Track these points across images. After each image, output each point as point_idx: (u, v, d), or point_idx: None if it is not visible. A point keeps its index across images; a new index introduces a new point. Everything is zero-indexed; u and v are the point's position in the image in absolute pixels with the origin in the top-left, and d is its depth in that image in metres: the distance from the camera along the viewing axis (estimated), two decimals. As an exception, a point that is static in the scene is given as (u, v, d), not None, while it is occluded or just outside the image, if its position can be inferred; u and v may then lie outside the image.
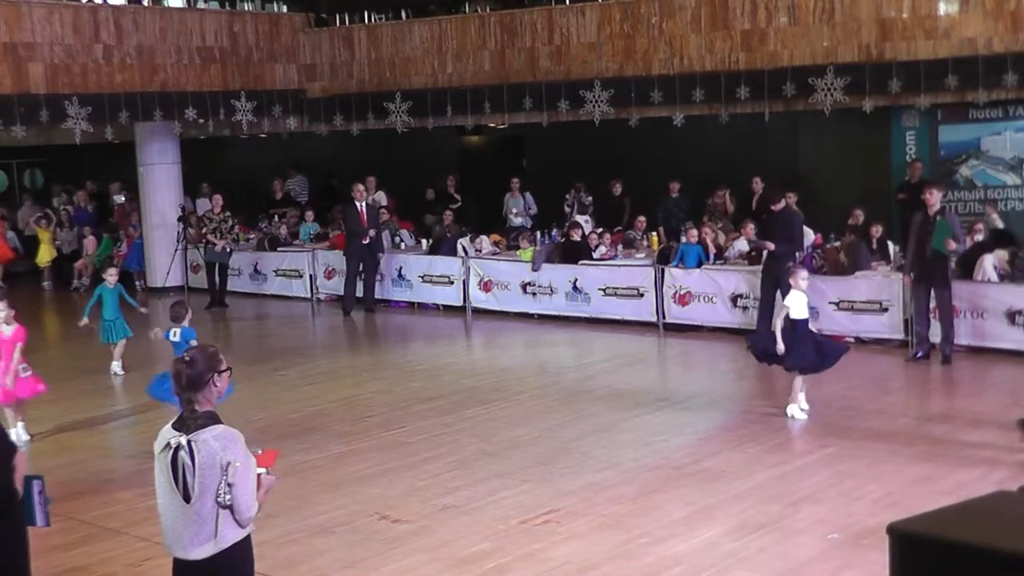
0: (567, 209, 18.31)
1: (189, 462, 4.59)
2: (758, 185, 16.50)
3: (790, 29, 14.62)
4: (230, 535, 4.67)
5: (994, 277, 12.62)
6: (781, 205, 13.05)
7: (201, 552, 4.65)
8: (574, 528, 7.57)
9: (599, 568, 6.89)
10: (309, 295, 18.18)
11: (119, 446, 10.30)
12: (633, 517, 7.74)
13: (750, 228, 14.58)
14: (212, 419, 4.69)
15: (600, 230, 16.58)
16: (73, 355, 15.13)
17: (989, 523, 3.59)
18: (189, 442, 4.61)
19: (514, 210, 18.94)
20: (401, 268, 17.17)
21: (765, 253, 13.20)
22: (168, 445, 4.66)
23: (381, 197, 18.86)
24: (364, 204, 16.93)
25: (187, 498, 4.61)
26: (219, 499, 4.59)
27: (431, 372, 12.78)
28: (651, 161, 18.51)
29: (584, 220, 17.23)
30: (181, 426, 4.68)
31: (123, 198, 21.84)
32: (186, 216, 18.92)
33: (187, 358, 4.73)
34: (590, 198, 18.15)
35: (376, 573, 7.00)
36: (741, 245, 14.66)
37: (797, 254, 13.14)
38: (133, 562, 7.32)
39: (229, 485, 4.59)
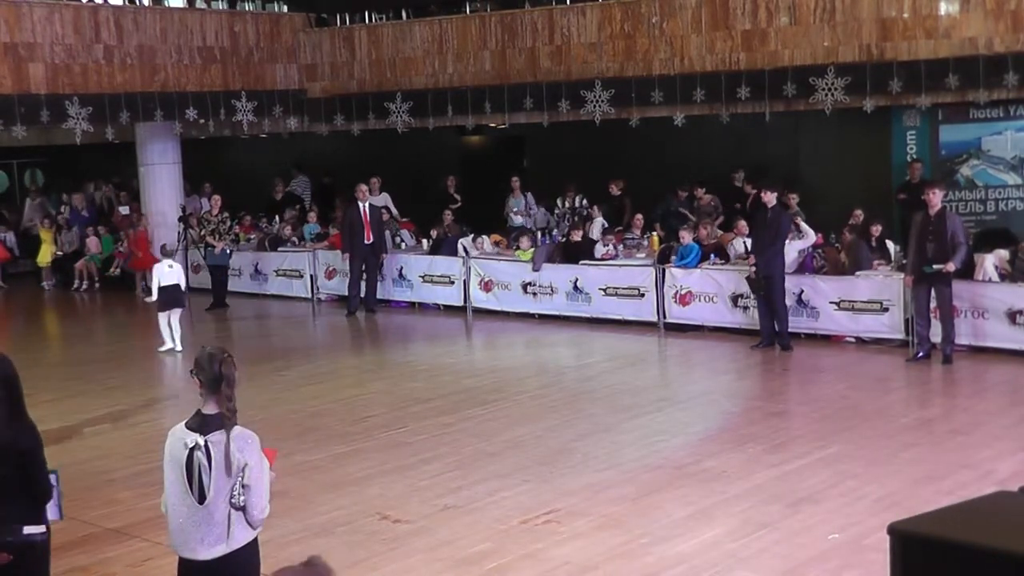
0: (563, 211, 18.03)
1: (205, 463, 4.57)
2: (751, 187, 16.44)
3: (791, 29, 14.61)
4: (241, 536, 4.67)
5: (995, 277, 12.62)
6: (773, 201, 13.06)
7: (212, 552, 4.64)
8: (575, 528, 7.57)
9: (600, 568, 6.89)
10: (310, 295, 18.17)
11: (119, 446, 10.29)
12: (634, 517, 7.74)
13: (743, 226, 14.62)
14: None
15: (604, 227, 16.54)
16: (72, 355, 15.15)
17: (989, 523, 3.59)
18: (206, 442, 4.59)
19: (515, 210, 18.90)
20: (402, 268, 17.16)
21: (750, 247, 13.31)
22: (184, 445, 4.65)
23: (388, 200, 18.81)
24: (367, 204, 16.91)
25: (201, 499, 4.60)
26: (233, 500, 4.58)
27: (432, 372, 12.78)
28: (651, 161, 18.48)
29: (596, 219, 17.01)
30: (196, 426, 4.67)
31: (127, 209, 21.58)
32: (186, 216, 18.92)
33: (224, 356, 4.70)
34: (587, 202, 17.72)
35: (377, 573, 7.01)
36: (740, 245, 14.64)
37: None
38: (134, 562, 7.33)
39: (244, 487, 4.58)
